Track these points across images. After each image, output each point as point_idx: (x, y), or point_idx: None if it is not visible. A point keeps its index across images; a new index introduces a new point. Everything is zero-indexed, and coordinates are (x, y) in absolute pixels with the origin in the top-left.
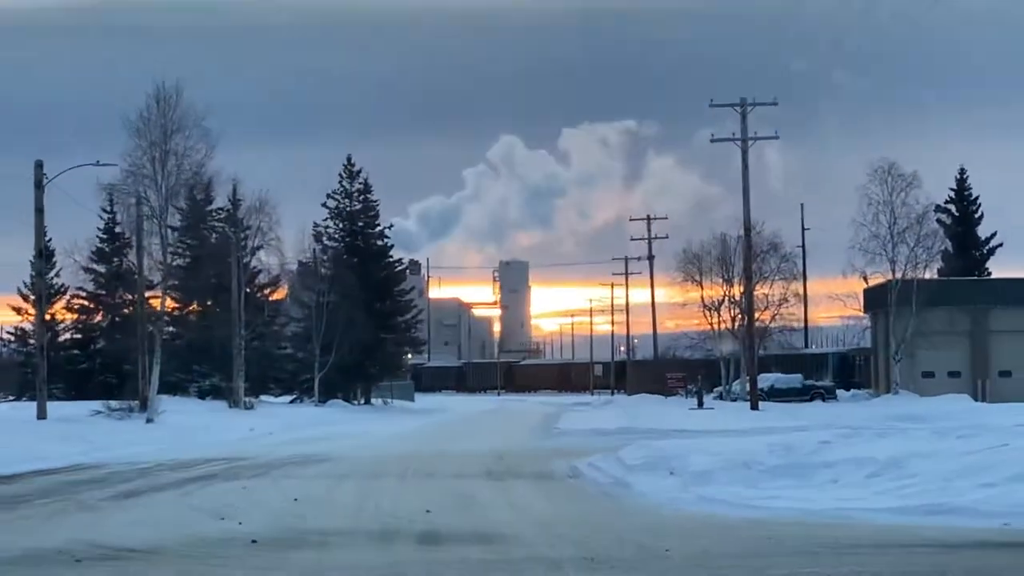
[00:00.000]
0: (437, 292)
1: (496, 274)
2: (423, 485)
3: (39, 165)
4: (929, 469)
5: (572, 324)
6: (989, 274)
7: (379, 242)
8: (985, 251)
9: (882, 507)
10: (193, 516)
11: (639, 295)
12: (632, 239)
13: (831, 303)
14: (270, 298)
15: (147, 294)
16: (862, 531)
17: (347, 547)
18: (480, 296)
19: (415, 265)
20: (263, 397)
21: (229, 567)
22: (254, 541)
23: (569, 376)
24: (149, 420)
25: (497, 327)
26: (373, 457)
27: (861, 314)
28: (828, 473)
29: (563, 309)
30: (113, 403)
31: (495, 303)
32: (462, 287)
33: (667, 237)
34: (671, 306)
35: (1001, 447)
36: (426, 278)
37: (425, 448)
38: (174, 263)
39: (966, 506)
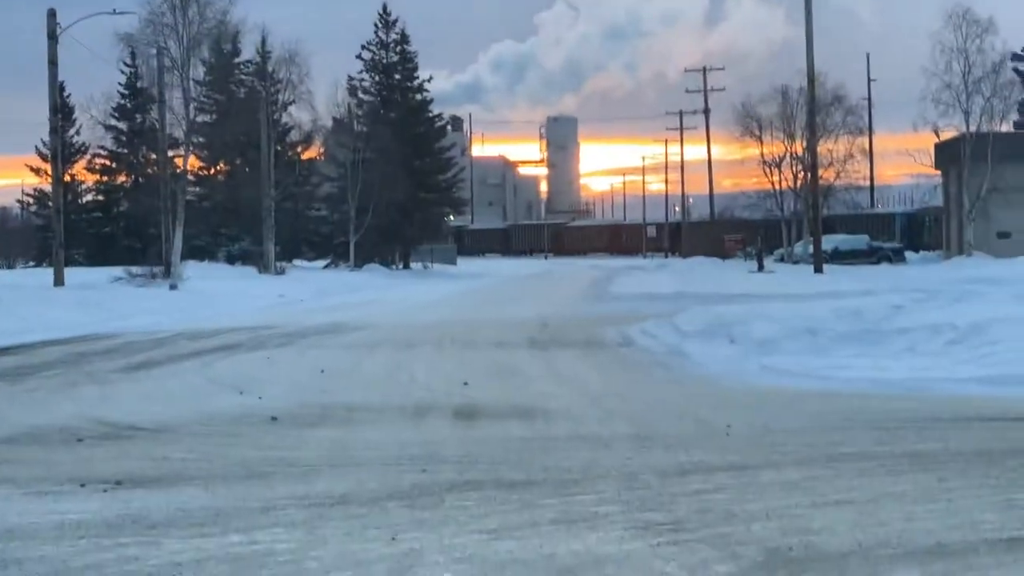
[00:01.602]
0: (481, 150)
1: (543, 130)
2: (461, 355)
3: (51, 14)
4: (1015, 336)
5: (624, 183)
6: None
7: (418, 96)
8: None
9: (964, 377)
10: (210, 390)
11: (695, 152)
12: (687, 91)
13: (900, 159)
14: (303, 157)
15: (170, 153)
16: (943, 404)
17: (375, 423)
18: (527, 154)
19: (457, 121)
20: (296, 262)
21: (242, 446)
22: (274, 418)
23: (621, 238)
24: (173, 287)
25: (544, 187)
26: (408, 324)
27: (932, 171)
28: (903, 340)
29: (614, 168)
30: (135, 269)
31: (542, 161)
32: (507, 145)
33: (724, 90)
34: (729, 164)
35: None
36: (469, 135)
37: (465, 315)
38: (199, 119)
39: None
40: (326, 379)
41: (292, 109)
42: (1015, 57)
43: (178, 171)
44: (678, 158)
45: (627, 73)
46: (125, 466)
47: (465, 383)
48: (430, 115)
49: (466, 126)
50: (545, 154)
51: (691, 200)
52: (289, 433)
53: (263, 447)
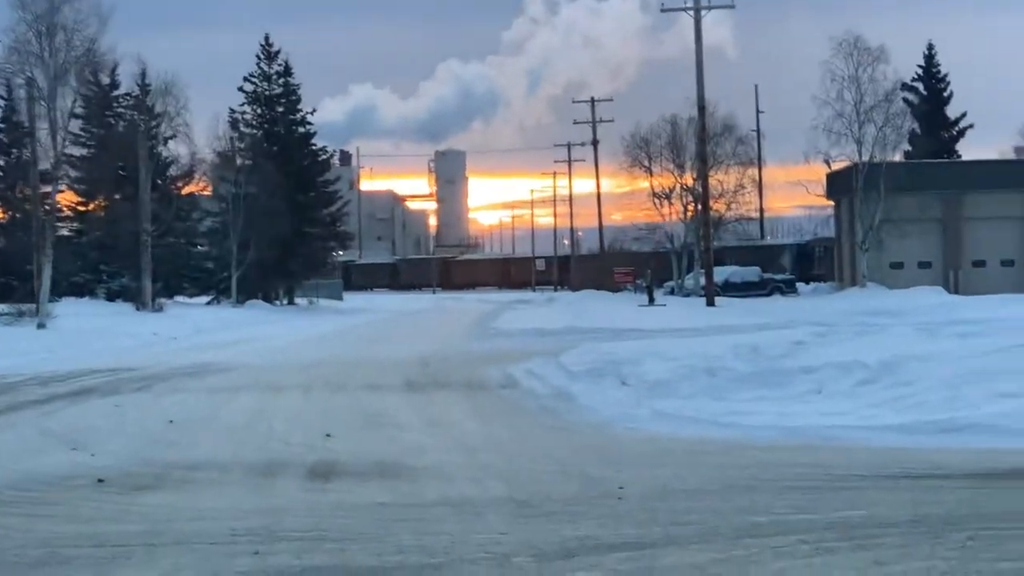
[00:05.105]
0: (370, 185)
1: (431, 164)
2: (330, 400)
3: None
4: (929, 375)
5: (513, 217)
6: (959, 157)
7: (301, 129)
8: (955, 132)
9: (880, 424)
10: (40, 444)
11: (584, 185)
12: (575, 123)
13: (791, 190)
14: (184, 191)
15: (46, 187)
16: (861, 457)
17: (217, 486)
18: (416, 188)
19: (345, 156)
20: (178, 298)
21: (53, 519)
22: (101, 480)
23: (510, 272)
24: (40, 325)
25: (433, 221)
26: (280, 365)
27: (824, 201)
28: (809, 380)
29: (504, 201)
30: (1, 307)
31: (431, 195)
32: (397, 179)
33: (612, 121)
34: (618, 196)
35: (1015, 347)
36: (357, 169)
37: (343, 354)
38: (76, 153)
39: (983, 422)
40: (174, 430)
41: (172, 143)
42: (905, 87)
43: (47, 205)
44: (568, 191)
45: (517, 106)
46: None
47: (328, 435)
48: (314, 148)
49: (355, 160)
50: (434, 188)
51: (581, 233)
52: (113, 500)
53: (78, 519)
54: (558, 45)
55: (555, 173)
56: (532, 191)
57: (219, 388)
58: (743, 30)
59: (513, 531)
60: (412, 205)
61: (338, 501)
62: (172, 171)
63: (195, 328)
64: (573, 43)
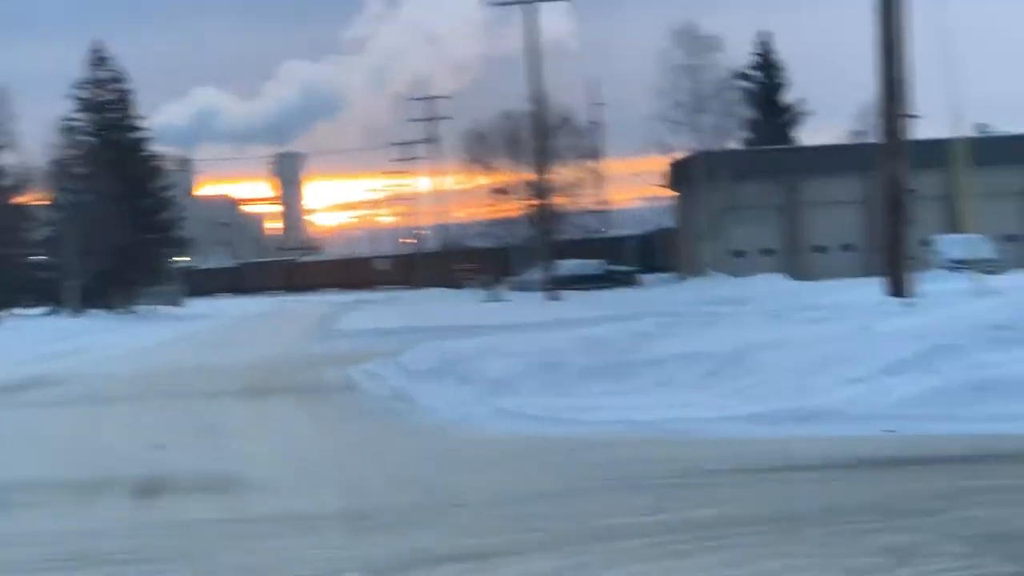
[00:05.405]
0: (212, 189)
1: (272, 167)
2: (163, 410)
3: None
4: (778, 362)
5: (357, 217)
6: (799, 142)
7: (135, 135)
8: (791, 118)
9: (730, 414)
10: None
11: (427, 183)
12: (414, 120)
13: (633, 182)
14: (19, 200)
15: None
16: (713, 450)
17: (37, 507)
18: (256, 192)
19: (185, 162)
20: (15, 310)
21: None
22: None
23: (354, 272)
24: None
25: (275, 224)
26: (116, 375)
27: (665, 192)
28: (655, 373)
29: (347, 202)
30: None
31: (272, 199)
32: (240, 183)
33: (451, 118)
34: (460, 193)
35: (861, 331)
36: (195, 173)
37: (181, 360)
38: None
39: (832, 408)
40: None
41: (4, 154)
42: (743, 76)
43: None
44: (411, 189)
45: (360, 106)
46: None
47: (158, 446)
48: (148, 154)
49: (191, 166)
50: (275, 191)
51: (425, 231)
52: None
53: None
54: (398, 43)
55: (397, 172)
56: (373, 190)
57: (48, 402)
58: (582, 22)
59: (347, 545)
60: (255, 208)
61: (163, 519)
62: (4, 182)
63: (30, 339)
64: (414, 40)
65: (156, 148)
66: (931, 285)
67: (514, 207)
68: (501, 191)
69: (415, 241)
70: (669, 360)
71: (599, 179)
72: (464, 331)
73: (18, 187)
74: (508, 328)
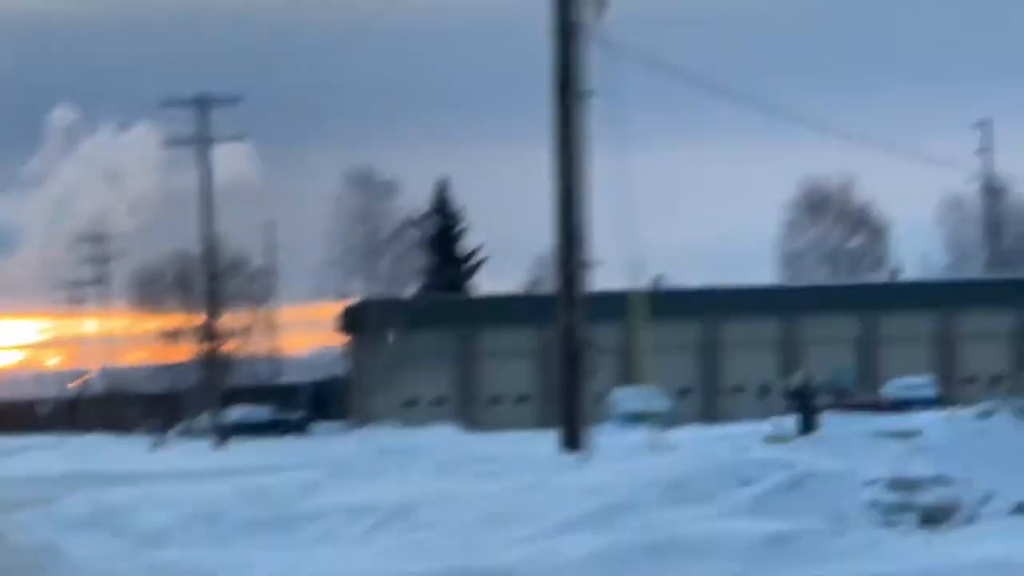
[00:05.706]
0: None
1: None
2: None
3: None
4: (446, 518)
5: (21, 359)
6: (474, 292)
7: None
8: (467, 267)
9: (393, 572)
10: None
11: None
12: (84, 261)
13: (308, 328)
14: None
15: None
16: None
17: None
18: None
19: None
20: None
21: None
22: None
23: (16, 416)
24: None
25: None
26: None
27: (339, 339)
28: (318, 526)
29: (11, 343)
30: None
31: None
32: None
33: (123, 258)
34: (130, 336)
35: (534, 486)
36: None
37: None
38: None
39: (500, 568)
40: None
41: None
42: (419, 221)
43: None
44: (80, 331)
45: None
46: None
47: None
48: None
49: None
50: None
51: (92, 374)
52: None
53: None
54: (78, 180)
55: (62, 314)
56: (40, 331)
57: None
58: (264, 164)
59: None
60: None
61: None
62: None
63: None
64: (92, 178)
65: None
66: (607, 439)
67: (185, 351)
68: (172, 334)
69: (81, 384)
70: (333, 512)
71: (272, 324)
72: (126, 479)
73: None
74: (172, 476)
